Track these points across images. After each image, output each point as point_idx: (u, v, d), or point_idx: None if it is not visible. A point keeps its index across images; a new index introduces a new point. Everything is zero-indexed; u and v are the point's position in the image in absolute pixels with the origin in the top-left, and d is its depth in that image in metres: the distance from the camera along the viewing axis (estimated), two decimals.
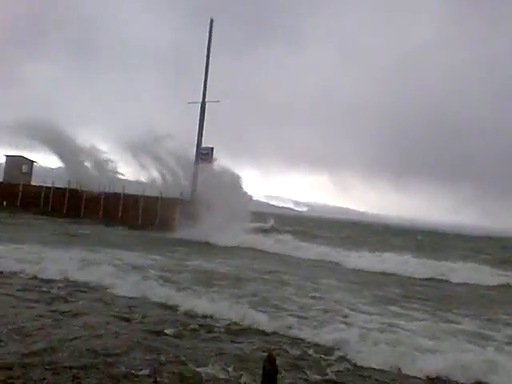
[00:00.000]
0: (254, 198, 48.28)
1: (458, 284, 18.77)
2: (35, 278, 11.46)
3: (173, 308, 9.60)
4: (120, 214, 37.42)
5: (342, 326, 9.18)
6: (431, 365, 6.96)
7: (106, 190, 39.10)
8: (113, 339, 7.11)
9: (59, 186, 40.85)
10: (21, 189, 40.93)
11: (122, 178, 42.48)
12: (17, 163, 43.78)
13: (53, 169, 46.48)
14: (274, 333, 8.35)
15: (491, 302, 14.69)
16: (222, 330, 8.33)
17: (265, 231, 34.59)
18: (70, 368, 5.81)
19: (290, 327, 8.68)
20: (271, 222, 39.55)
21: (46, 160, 45.42)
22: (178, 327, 8.14)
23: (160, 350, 6.82)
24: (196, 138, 39.44)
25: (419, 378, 6.73)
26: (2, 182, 42.58)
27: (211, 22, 40.94)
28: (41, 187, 41.56)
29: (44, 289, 10.36)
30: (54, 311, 8.45)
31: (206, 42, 40.66)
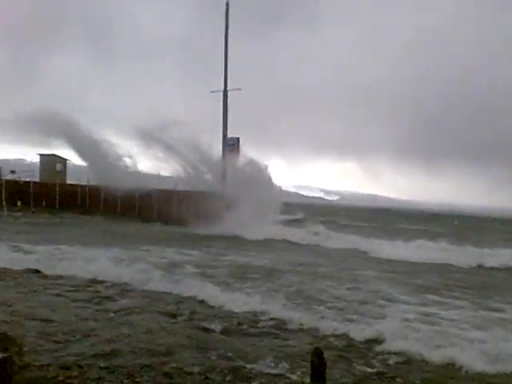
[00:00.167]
0: (283, 189, 48.13)
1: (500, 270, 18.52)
2: (82, 278, 11.82)
3: (215, 304, 9.78)
4: (155, 212, 37.64)
5: (382, 317, 9.22)
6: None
7: (138, 187, 39.32)
8: (163, 336, 7.31)
9: (93, 184, 41.50)
10: (57, 188, 41.73)
11: (144, 172, 41.41)
12: (51, 162, 44.25)
13: (85, 166, 46.74)
14: (315, 327, 8.39)
15: None
16: (266, 325, 8.46)
17: (297, 222, 34.62)
18: (125, 366, 5.97)
19: (331, 320, 8.75)
20: (301, 214, 39.40)
21: (77, 158, 44.83)
22: (223, 323, 8.29)
23: (209, 346, 6.97)
24: (221, 129, 38.60)
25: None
26: (38, 182, 43.36)
27: (227, 5, 39.64)
28: (76, 186, 42.26)
29: (90, 289, 10.70)
30: (105, 311, 8.73)
31: (224, 28, 39.47)
